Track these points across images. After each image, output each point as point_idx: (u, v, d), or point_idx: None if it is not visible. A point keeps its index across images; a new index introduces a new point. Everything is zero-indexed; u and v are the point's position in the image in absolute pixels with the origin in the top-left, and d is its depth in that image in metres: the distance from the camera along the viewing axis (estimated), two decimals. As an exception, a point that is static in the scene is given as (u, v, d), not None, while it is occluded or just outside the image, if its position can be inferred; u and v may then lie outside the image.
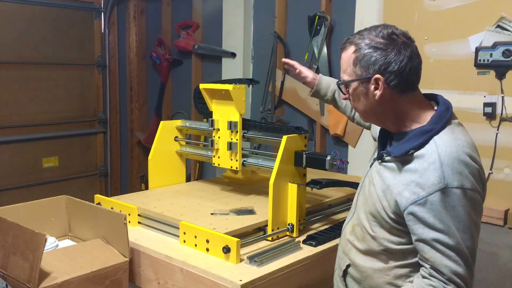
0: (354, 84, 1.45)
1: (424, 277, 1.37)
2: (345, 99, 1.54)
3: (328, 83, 2.06)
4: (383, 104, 1.43)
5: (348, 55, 1.45)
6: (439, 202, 1.30)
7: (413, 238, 1.37)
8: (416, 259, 1.41)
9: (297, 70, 2.14)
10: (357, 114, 1.97)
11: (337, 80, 1.89)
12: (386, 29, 1.42)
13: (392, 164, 1.42)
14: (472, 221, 1.33)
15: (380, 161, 1.47)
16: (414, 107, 1.44)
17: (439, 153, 1.33)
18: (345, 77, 1.48)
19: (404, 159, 1.39)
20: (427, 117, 1.43)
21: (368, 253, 1.50)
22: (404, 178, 1.37)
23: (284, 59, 2.21)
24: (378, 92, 1.40)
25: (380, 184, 1.45)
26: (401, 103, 1.43)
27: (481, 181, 1.37)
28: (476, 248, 1.36)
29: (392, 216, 1.40)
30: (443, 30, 2.61)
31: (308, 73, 2.11)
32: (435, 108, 1.46)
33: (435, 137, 1.37)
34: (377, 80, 1.39)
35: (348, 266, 1.57)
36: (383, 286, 1.47)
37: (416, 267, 1.42)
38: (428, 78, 2.63)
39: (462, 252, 1.31)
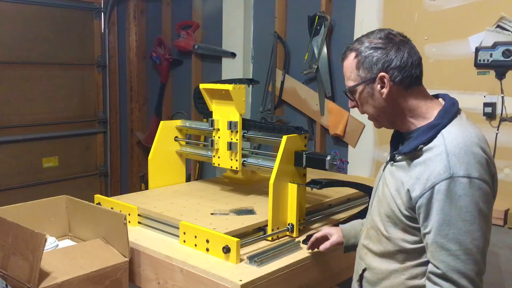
0: (360, 88, 1.47)
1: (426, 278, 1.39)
2: (354, 106, 1.55)
3: (353, 227, 1.83)
4: (391, 102, 1.45)
5: (350, 62, 1.49)
6: (444, 192, 1.30)
7: (421, 232, 1.37)
8: None
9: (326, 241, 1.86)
10: None
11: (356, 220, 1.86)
12: (383, 31, 1.47)
13: (403, 163, 1.44)
14: (480, 212, 1.30)
15: (392, 162, 1.49)
16: (421, 102, 1.46)
17: (445, 145, 1.34)
18: (350, 83, 1.50)
19: (414, 155, 1.40)
20: (435, 112, 1.44)
21: (384, 255, 1.49)
22: (414, 172, 1.38)
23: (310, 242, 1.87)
24: (385, 90, 1.43)
25: (393, 183, 1.45)
26: (408, 98, 1.45)
27: (489, 171, 1.35)
28: (486, 241, 1.33)
29: (406, 213, 1.40)
30: (443, 30, 2.60)
31: (332, 232, 1.85)
32: (443, 104, 1.48)
33: (443, 131, 1.38)
34: (382, 78, 1.42)
35: (364, 270, 1.56)
36: (399, 286, 1.46)
37: None
38: (428, 78, 2.61)
39: (465, 245, 1.28)
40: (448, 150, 1.33)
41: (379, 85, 1.44)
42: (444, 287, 1.31)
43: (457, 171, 1.30)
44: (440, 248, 1.31)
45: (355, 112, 2.99)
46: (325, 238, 1.83)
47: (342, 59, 1.53)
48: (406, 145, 1.45)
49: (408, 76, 1.42)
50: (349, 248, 1.80)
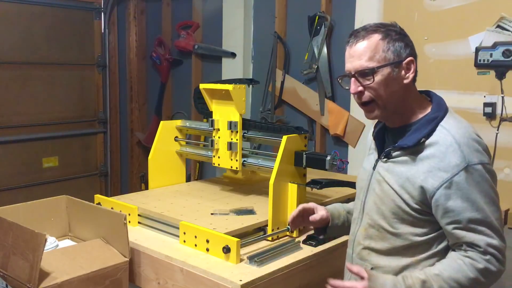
0: (385, 70, 1.42)
1: (459, 251, 1.41)
2: (358, 92, 1.46)
3: (336, 209, 1.81)
4: (407, 91, 1.46)
5: (373, 42, 1.42)
6: (465, 181, 1.36)
7: (443, 222, 1.39)
8: (442, 245, 1.44)
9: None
10: None
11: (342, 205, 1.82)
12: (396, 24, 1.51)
13: (404, 158, 1.45)
14: (495, 192, 1.41)
15: (386, 159, 1.49)
16: (417, 96, 1.51)
17: (453, 136, 1.39)
18: (371, 64, 1.42)
19: (415, 150, 1.42)
20: (426, 106, 1.49)
21: (391, 252, 1.49)
22: (423, 166, 1.40)
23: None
24: (410, 75, 1.45)
25: (395, 179, 1.45)
26: (412, 91, 1.49)
27: (489, 155, 1.45)
28: (501, 216, 1.43)
29: (417, 206, 1.42)
30: (443, 30, 2.61)
31: (318, 206, 1.80)
32: (429, 99, 1.53)
33: (442, 123, 1.42)
34: (409, 63, 1.44)
35: (371, 269, 1.52)
36: None
37: (443, 253, 1.44)
38: (428, 78, 2.65)
39: (492, 224, 1.37)
40: (458, 141, 1.37)
41: (403, 70, 1.44)
42: (486, 259, 1.37)
43: (471, 159, 1.36)
44: (474, 232, 1.36)
45: (355, 112, 2.99)
46: (310, 211, 1.76)
47: (360, 38, 1.44)
48: (406, 138, 1.44)
49: (416, 69, 1.48)
50: (331, 228, 1.75)
